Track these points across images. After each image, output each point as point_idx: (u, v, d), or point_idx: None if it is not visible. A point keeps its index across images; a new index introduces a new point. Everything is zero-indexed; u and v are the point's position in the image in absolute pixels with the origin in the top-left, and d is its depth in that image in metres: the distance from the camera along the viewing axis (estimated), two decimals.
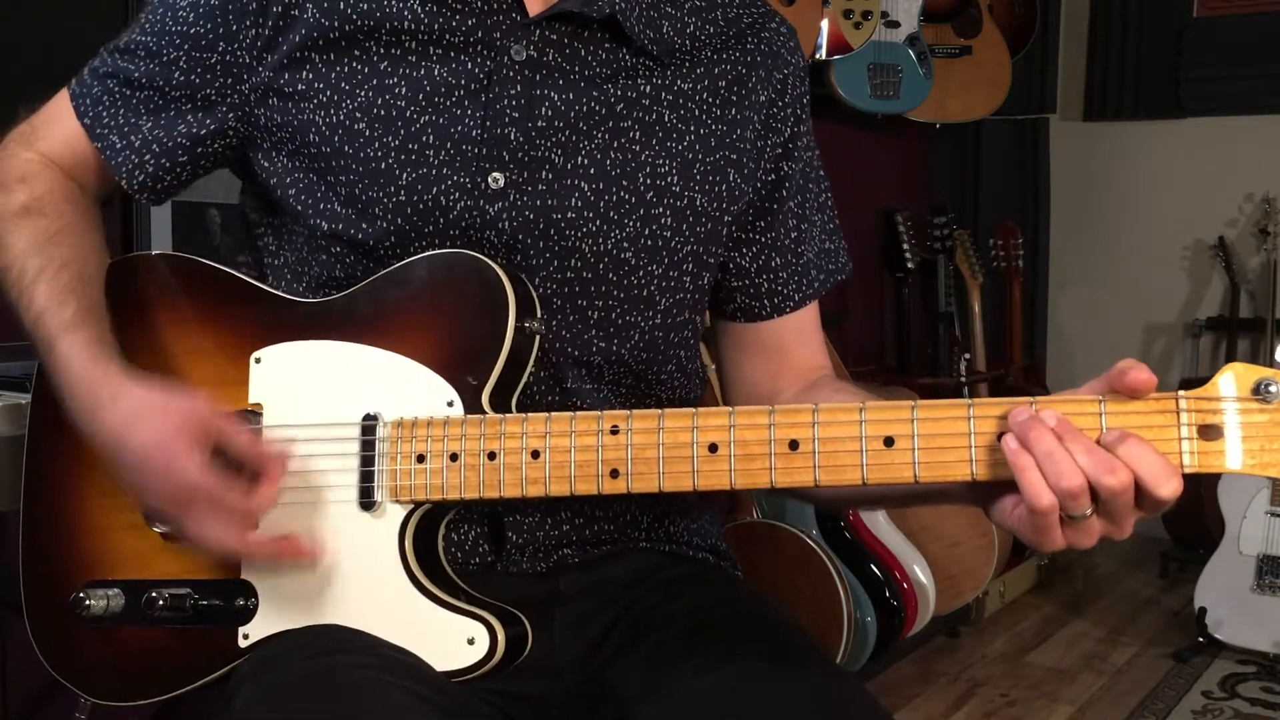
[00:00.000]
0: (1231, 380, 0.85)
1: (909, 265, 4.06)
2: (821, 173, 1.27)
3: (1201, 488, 3.75)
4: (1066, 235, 4.64)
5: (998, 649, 3.44)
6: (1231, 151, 4.33)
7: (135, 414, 1.03)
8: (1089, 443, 0.86)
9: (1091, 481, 0.84)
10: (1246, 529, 3.29)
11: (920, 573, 3.03)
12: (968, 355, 4.06)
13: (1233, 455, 0.85)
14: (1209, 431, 0.85)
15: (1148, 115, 4.44)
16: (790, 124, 1.21)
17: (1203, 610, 3.32)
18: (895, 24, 3.71)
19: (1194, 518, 3.76)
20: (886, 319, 4.32)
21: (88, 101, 1.18)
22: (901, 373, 4.10)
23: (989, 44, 4.04)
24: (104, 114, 1.17)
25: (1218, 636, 3.30)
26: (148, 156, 1.17)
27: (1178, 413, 0.85)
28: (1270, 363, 0.85)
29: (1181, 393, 0.86)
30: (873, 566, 2.93)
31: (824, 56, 3.53)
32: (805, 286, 1.24)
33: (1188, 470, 0.86)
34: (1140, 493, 0.85)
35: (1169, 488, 0.84)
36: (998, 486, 0.90)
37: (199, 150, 1.17)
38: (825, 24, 3.51)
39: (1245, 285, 4.24)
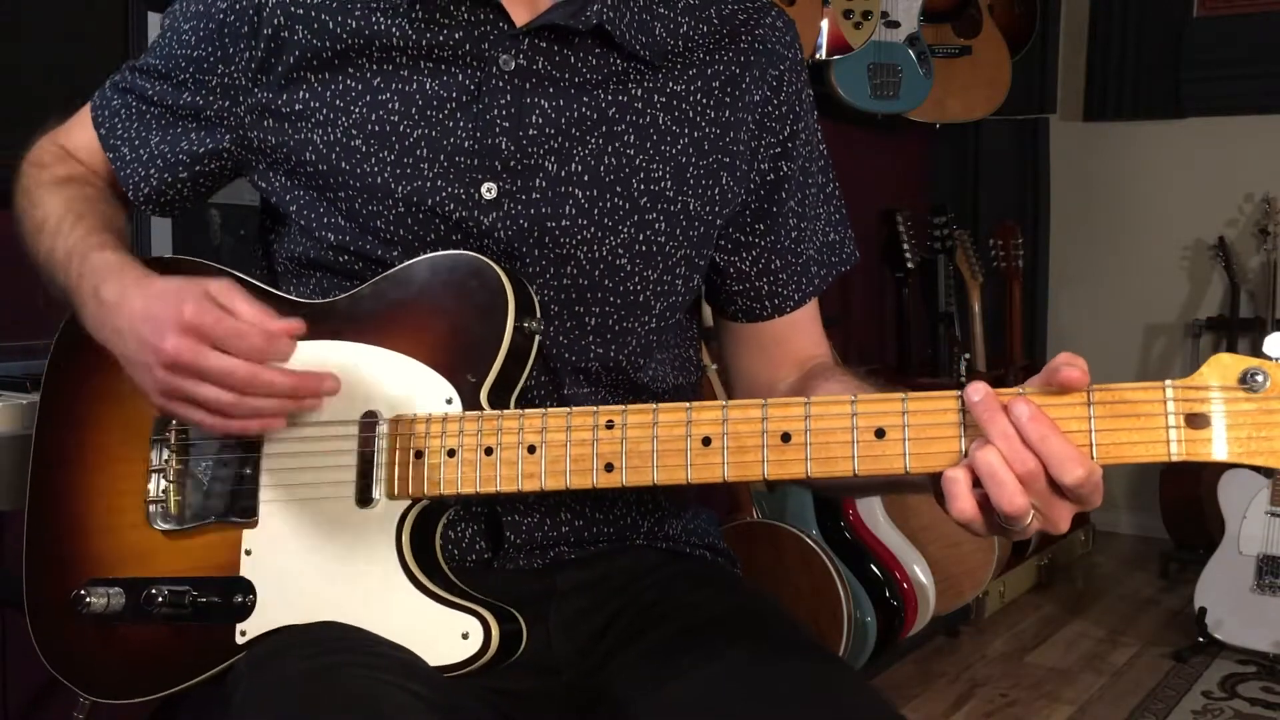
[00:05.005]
0: (1218, 370, 0.86)
1: (909, 265, 4.07)
2: (824, 163, 1.25)
3: (1201, 488, 3.76)
4: (1066, 235, 4.64)
5: (998, 649, 3.44)
6: (1231, 151, 4.33)
7: (161, 290, 1.03)
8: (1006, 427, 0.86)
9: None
10: (1246, 529, 3.28)
11: (920, 573, 3.03)
12: (968, 355, 4.06)
13: (1219, 444, 0.86)
14: (1196, 420, 0.86)
15: (1148, 115, 4.43)
16: (789, 122, 1.20)
17: (1203, 610, 3.31)
18: (895, 24, 3.71)
19: (1194, 518, 3.76)
20: (886, 319, 4.33)
21: (105, 113, 1.24)
22: (902, 373, 4.10)
23: (989, 44, 4.04)
24: (119, 126, 1.23)
25: (1218, 636, 3.30)
26: (152, 170, 1.22)
27: (1165, 402, 0.87)
28: (1259, 354, 0.86)
29: (1169, 382, 0.87)
30: (873, 566, 2.93)
31: (824, 56, 3.53)
32: (805, 285, 1.25)
33: (1175, 459, 0.87)
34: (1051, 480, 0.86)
35: (1073, 475, 0.85)
36: None
37: (197, 168, 1.21)
38: (825, 24, 3.51)
39: (1245, 285, 4.23)
